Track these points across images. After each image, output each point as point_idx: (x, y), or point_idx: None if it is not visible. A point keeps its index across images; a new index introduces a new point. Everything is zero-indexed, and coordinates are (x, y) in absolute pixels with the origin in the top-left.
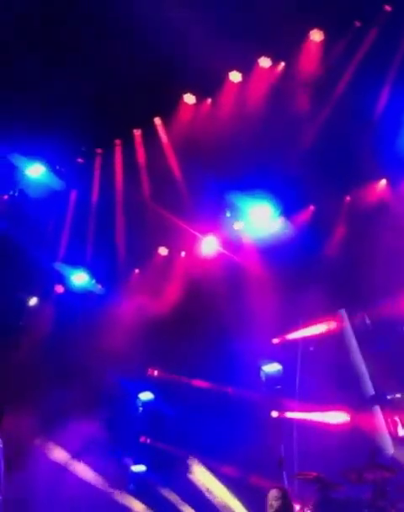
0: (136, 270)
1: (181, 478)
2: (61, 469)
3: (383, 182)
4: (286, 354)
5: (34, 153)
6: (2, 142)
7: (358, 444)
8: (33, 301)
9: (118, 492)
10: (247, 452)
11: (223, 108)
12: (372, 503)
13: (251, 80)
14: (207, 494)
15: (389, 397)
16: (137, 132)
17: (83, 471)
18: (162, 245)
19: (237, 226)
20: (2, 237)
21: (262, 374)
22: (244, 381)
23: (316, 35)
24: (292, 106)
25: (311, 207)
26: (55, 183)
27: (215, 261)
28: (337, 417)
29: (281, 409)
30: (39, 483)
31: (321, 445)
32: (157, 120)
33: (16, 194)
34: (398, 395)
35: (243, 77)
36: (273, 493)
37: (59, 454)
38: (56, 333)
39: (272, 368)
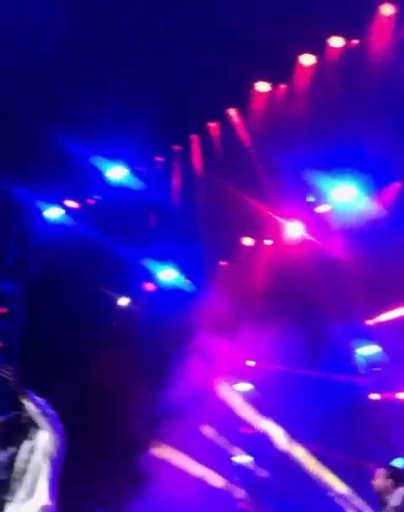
0: (222, 263)
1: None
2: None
3: None
4: (382, 335)
5: (114, 156)
6: (84, 146)
7: None
8: (124, 300)
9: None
10: (349, 438)
11: (298, 91)
12: None
13: (324, 61)
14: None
15: None
16: (213, 125)
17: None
18: (247, 235)
19: (321, 209)
20: (89, 239)
21: (358, 357)
22: (341, 365)
23: (387, 9)
24: (368, 83)
25: (397, 184)
26: (136, 184)
27: (301, 247)
28: None
29: (381, 391)
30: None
31: None
32: (232, 111)
33: (100, 197)
34: None
35: (316, 59)
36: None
37: (169, 453)
38: (150, 331)
39: (369, 350)
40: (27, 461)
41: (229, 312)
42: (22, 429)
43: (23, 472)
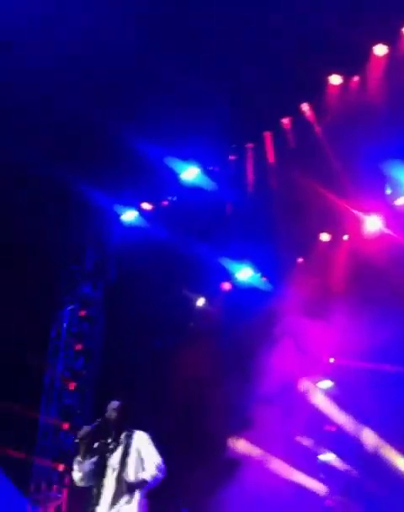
0: (300, 259)
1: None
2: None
3: None
4: None
5: (187, 156)
6: (158, 147)
7: None
8: (201, 301)
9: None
10: None
11: (372, 82)
12: None
13: (397, 50)
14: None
15: None
16: (286, 121)
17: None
18: (324, 231)
19: (400, 202)
20: (165, 241)
21: None
22: None
23: None
24: None
25: None
26: (209, 183)
27: (379, 242)
28: None
29: None
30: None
31: None
32: (305, 106)
33: (174, 198)
34: None
35: (389, 48)
36: None
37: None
38: (229, 331)
39: None
40: (121, 465)
41: (307, 310)
42: (107, 434)
43: (117, 478)
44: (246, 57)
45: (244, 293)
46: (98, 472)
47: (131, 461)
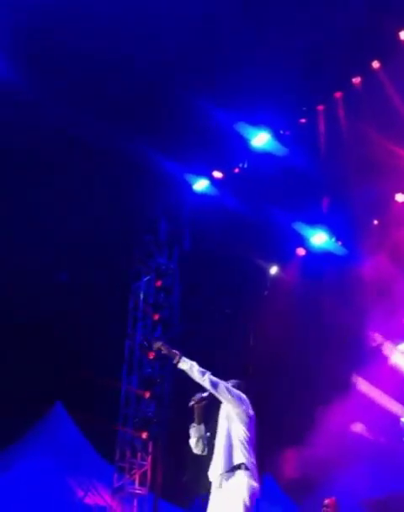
0: (375, 221)
1: None
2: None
3: None
4: None
5: (257, 121)
6: (228, 114)
7: None
8: (274, 269)
9: None
10: None
11: None
12: None
13: None
14: None
15: None
16: (356, 80)
17: None
18: (400, 191)
19: None
20: (237, 209)
21: None
22: None
23: None
24: None
25: None
26: (280, 148)
27: None
28: None
29: None
30: None
31: None
32: (376, 64)
33: (245, 165)
34: None
35: None
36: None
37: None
38: (305, 298)
39: None
40: (224, 432)
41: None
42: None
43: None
44: (313, 19)
45: (319, 258)
46: (211, 438)
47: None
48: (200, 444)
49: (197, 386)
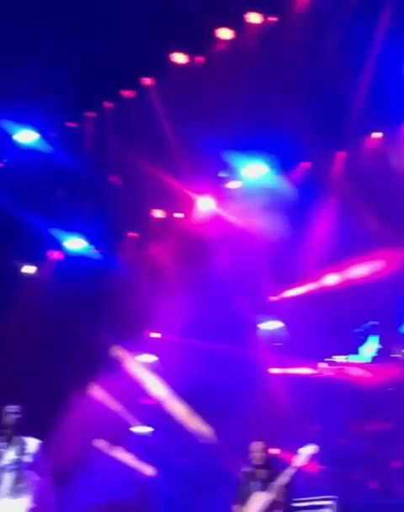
0: (131, 234)
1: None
2: None
3: (378, 135)
4: (285, 311)
5: (24, 119)
6: None
7: (356, 397)
8: (30, 269)
9: None
10: (248, 409)
11: (214, 66)
12: (371, 453)
13: (242, 37)
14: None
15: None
16: (128, 93)
17: None
18: (157, 207)
19: (233, 185)
20: None
21: (260, 331)
22: (244, 339)
23: None
24: (285, 62)
25: (307, 164)
26: (46, 148)
27: (211, 221)
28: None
29: (282, 366)
30: None
31: (320, 398)
32: (147, 81)
33: (7, 161)
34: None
35: (234, 33)
36: (258, 445)
37: None
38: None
39: (271, 325)
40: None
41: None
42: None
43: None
44: (95, 26)
45: (75, 262)
46: None
47: None
48: None
49: None
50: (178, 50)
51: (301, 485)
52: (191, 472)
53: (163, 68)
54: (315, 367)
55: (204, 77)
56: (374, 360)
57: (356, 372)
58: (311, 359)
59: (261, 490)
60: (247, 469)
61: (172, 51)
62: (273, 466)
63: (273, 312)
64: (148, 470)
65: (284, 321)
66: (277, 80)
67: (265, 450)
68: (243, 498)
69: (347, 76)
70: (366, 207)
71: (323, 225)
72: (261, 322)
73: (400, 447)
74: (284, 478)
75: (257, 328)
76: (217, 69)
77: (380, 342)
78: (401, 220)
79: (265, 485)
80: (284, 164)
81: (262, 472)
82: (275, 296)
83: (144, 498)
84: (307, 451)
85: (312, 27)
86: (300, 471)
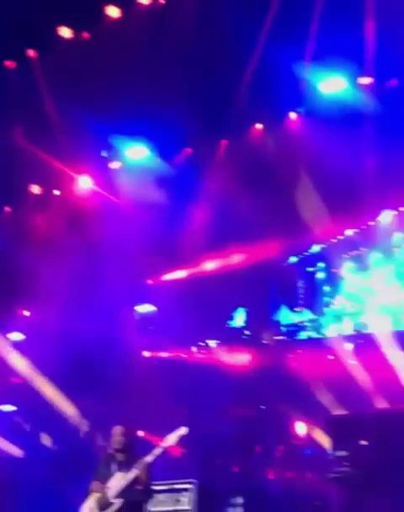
0: (7, 208)
1: None
2: None
3: (260, 126)
4: (161, 295)
5: None
6: None
7: (226, 382)
8: None
9: None
10: (118, 391)
11: (100, 44)
12: (239, 437)
13: (129, 16)
14: None
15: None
16: (10, 63)
17: None
18: (36, 183)
19: (114, 165)
20: None
21: (135, 314)
22: (118, 320)
23: None
24: (172, 47)
25: (188, 150)
26: None
27: (90, 200)
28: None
29: (154, 349)
30: None
31: (190, 382)
32: (31, 52)
33: None
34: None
35: (122, 12)
36: (119, 429)
37: None
38: None
39: (146, 308)
40: None
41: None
42: None
43: None
44: None
45: None
46: None
47: None
48: None
49: None
50: (65, 25)
51: (164, 468)
52: (57, 451)
53: (49, 42)
54: (187, 351)
55: (90, 54)
56: (245, 345)
57: (227, 357)
58: (184, 343)
59: (120, 472)
60: (109, 451)
61: (59, 25)
62: (134, 450)
63: (149, 294)
64: (14, 450)
65: (159, 304)
66: (163, 64)
67: (125, 434)
68: (101, 480)
69: (233, 66)
70: (246, 196)
71: (203, 211)
72: (136, 304)
73: (264, 432)
74: (150, 457)
75: (133, 310)
76: (103, 47)
77: (251, 328)
78: (279, 209)
79: (123, 468)
80: (166, 148)
81: (121, 456)
82: (152, 279)
83: (10, 478)
84: (177, 433)
85: (199, 15)
86: (164, 453)
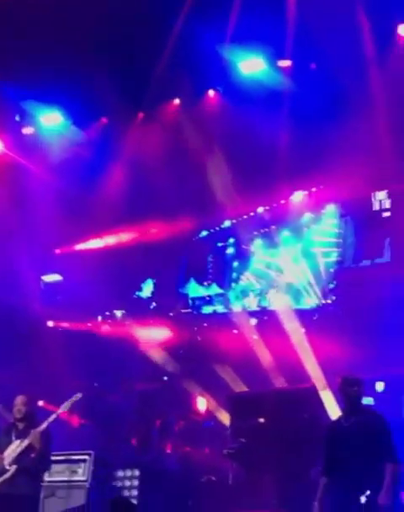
0: None
1: None
2: None
3: (177, 101)
4: (68, 264)
5: None
6: None
7: (130, 354)
8: None
9: None
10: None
11: (18, 9)
12: (140, 410)
13: None
14: None
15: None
16: None
17: None
18: None
19: (27, 130)
20: None
21: (41, 283)
22: (23, 290)
23: None
24: (91, 16)
25: (104, 120)
26: None
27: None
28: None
29: (59, 319)
30: None
31: (94, 353)
32: None
33: None
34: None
35: None
36: (21, 399)
37: None
38: None
39: (53, 278)
40: None
41: None
42: None
43: None
44: None
45: None
46: None
47: None
48: None
49: None
50: None
51: (64, 439)
52: None
53: None
54: (93, 321)
55: (8, 18)
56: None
57: (133, 330)
58: (90, 313)
59: (17, 441)
60: (10, 420)
61: None
62: (34, 420)
63: (57, 263)
64: None
65: (67, 274)
66: (84, 36)
67: (27, 403)
68: (2, 449)
69: (154, 40)
70: (160, 169)
71: (116, 182)
72: (44, 273)
73: (165, 406)
74: (44, 425)
75: (39, 279)
76: (21, 13)
77: (158, 300)
78: (192, 184)
79: (21, 437)
80: (82, 117)
81: (21, 425)
82: (61, 248)
83: None
84: (71, 399)
85: None
86: (64, 424)
